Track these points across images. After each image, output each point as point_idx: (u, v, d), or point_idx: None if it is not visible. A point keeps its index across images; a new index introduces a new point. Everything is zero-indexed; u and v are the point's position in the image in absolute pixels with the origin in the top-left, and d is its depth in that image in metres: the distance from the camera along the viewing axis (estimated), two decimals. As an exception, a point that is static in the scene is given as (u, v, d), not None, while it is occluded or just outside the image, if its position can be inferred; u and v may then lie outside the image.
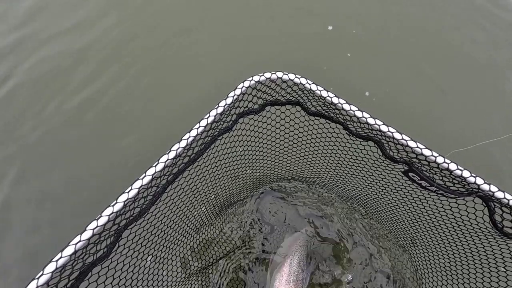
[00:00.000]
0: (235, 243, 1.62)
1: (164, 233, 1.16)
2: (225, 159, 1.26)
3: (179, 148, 0.91)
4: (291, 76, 1.06)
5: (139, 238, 1.01)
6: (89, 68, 2.32)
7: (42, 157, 2.03)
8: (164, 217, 1.10)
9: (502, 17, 2.47)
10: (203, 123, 0.96)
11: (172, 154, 0.89)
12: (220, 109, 1.00)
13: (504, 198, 0.87)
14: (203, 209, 1.48)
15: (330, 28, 2.29)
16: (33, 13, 2.59)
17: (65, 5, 2.63)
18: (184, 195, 1.15)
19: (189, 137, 0.94)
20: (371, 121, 0.98)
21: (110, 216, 0.79)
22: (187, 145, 0.93)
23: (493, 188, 0.88)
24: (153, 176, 0.86)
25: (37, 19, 2.56)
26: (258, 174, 1.66)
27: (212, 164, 1.21)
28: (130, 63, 2.34)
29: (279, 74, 1.06)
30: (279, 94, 1.14)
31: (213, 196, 1.44)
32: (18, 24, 2.56)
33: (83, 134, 2.11)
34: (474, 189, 0.93)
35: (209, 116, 0.96)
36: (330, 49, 2.27)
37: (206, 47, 2.34)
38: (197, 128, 0.96)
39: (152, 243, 1.09)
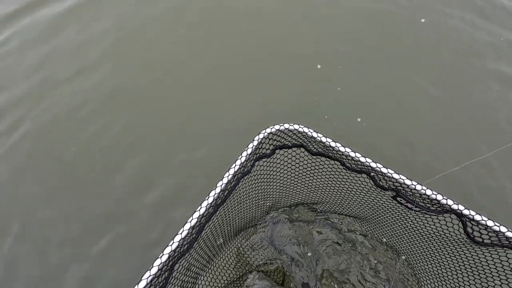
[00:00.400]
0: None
1: (199, 262, 1.37)
2: (244, 195, 1.50)
3: (215, 193, 1.15)
4: (296, 126, 1.33)
5: (182, 268, 1.22)
6: (99, 118, 2.57)
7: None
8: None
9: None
10: (231, 171, 1.21)
11: (210, 199, 1.14)
12: (243, 158, 1.26)
13: (470, 214, 1.12)
14: (221, 240, 1.70)
15: (319, 66, 2.63)
16: (41, 63, 2.86)
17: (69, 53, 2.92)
18: (209, 229, 1.37)
19: (222, 184, 1.18)
20: (362, 159, 1.25)
21: (170, 253, 1.01)
22: (221, 190, 1.17)
23: (461, 207, 1.14)
24: (199, 216, 1.09)
25: (46, 67, 2.84)
26: (268, 203, 1.90)
27: (233, 201, 1.44)
28: (142, 111, 2.61)
29: (286, 125, 1.33)
30: (287, 140, 1.41)
31: (229, 227, 1.67)
32: (27, 73, 2.84)
33: (97, 180, 2.33)
34: (447, 208, 1.18)
35: (235, 165, 1.22)
36: (322, 84, 2.59)
37: (215, 99, 2.62)
38: (227, 176, 1.21)
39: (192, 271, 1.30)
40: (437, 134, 2.40)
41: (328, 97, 2.56)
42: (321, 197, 1.78)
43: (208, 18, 3.06)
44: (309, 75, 2.63)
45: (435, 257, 1.49)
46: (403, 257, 1.77)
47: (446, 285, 1.50)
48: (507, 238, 1.09)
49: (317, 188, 1.69)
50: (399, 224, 1.53)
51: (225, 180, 1.18)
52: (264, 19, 3.02)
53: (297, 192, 1.77)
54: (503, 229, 1.08)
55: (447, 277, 1.47)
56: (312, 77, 2.62)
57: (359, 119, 2.50)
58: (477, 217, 1.12)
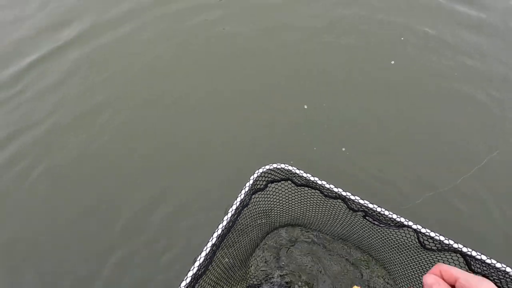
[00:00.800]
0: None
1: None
2: (245, 223, 1.83)
3: (223, 226, 1.48)
4: (283, 165, 1.68)
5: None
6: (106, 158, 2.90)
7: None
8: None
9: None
10: (234, 207, 1.55)
11: (219, 230, 1.46)
12: (242, 195, 1.60)
13: (417, 228, 1.48)
14: (226, 260, 2.01)
15: (305, 107, 3.03)
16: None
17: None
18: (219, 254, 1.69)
19: (227, 218, 1.51)
20: (335, 189, 1.60)
21: (194, 274, 1.33)
22: (228, 222, 1.50)
23: (411, 223, 1.49)
24: (212, 245, 1.41)
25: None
26: (266, 224, 2.23)
27: (237, 229, 1.76)
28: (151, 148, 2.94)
29: (274, 165, 1.68)
30: (276, 176, 1.76)
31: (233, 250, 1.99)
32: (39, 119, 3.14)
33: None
34: (403, 224, 1.54)
35: (237, 202, 1.55)
36: (310, 123, 2.97)
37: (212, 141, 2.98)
38: (231, 211, 1.54)
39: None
40: (408, 164, 2.78)
41: (316, 132, 2.93)
42: (308, 219, 2.13)
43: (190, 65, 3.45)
44: (298, 114, 3.02)
45: (400, 259, 1.84)
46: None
47: (411, 281, 1.86)
48: (446, 244, 1.44)
49: (303, 212, 2.04)
50: (372, 236, 1.88)
51: (229, 214, 1.51)
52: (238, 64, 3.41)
53: (288, 216, 2.11)
54: (441, 238, 1.43)
55: (410, 274, 1.82)
56: (301, 116, 3.01)
57: (343, 149, 2.88)
58: (423, 230, 1.47)
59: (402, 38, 3.54)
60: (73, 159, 2.88)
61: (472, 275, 0.70)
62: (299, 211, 2.05)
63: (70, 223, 2.59)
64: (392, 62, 3.34)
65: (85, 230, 2.55)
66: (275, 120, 2.99)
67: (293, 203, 1.97)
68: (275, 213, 2.07)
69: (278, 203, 1.97)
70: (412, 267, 1.79)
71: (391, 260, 1.95)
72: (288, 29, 3.64)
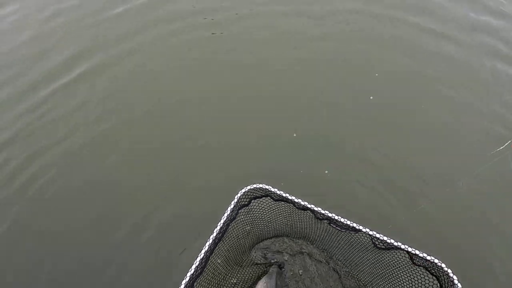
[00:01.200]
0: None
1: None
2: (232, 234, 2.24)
3: (216, 235, 1.89)
4: (263, 185, 2.09)
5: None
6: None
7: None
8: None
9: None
10: (222, 221, 1.96)
11: (210, 240, 1.87)
12: (229, 209, 2.01)
13: (368, 232, 1.86)
14: (218, 261, 2.41)
15: (295, 135, 3.47)
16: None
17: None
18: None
19: (218, 228, 1.93)
20: (302, 202, 2.00)
21: (190, 276, 1.74)
22: (218, 232, 1.91)
23: (365, 229, 1.88)
24: (205, 252, 1.83)
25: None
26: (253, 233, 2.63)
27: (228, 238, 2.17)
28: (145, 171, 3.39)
29: (255, 185, 2.10)
30: (258, 193, 2.17)
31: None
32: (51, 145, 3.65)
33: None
34: (357, 229, 1.92)
35: (225, 215, 1.96)
36: (299, 149, 3.37)
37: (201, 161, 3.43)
38: (221, 224, 1.96)
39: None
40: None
41: (302, 157, 3.33)
42: (286, 229, 2.52)
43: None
44: (287, 140, 3.46)
45: (360, 258, 2.23)
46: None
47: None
48: (390, 244, 1.82)
49: (282, 222, 2.44)
50: (334, 238, 2.28)
51: (219, 225, 1.93)
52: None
53: (271, 227, 2.52)
54: (390, 240, 1.82)
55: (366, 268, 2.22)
56: (290, 143, 3.43)
57: (326, 171, 3.26)
58: (372, 233, 1.85)
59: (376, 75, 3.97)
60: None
61: None
62: (279, 221, 2.45)
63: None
64: (371, 97, 3.72)
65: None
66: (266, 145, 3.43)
67: (273, 215, 2.38)
68: (260, 223, 2.47)
69: (261, 215, 2.38)
70: (367, 263, 2.17)
71: (352, 258, 2.34)
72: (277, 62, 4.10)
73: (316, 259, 2.60)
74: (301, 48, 4.25)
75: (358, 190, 3.11)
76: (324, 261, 2.59)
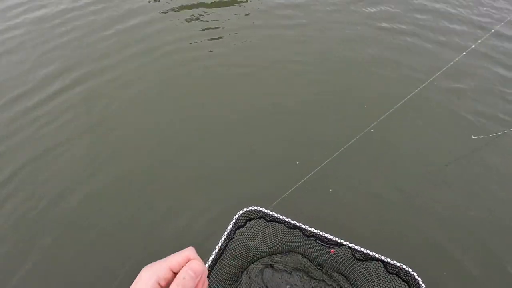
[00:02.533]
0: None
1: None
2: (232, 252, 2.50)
3: (216, 251, 2.15)
4: (256, 207, 2.40)
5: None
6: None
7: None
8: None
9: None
10: (221, 241, 2.23)
11: (211, 258, 2.13)
12: (228, 230, 2.29)
13: (350, 246, 2.18)
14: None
15: (297, 162, 3.83)
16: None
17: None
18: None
19: (218, 249, 2.19)
20: (292, 222, 2.32)
21: None
22: (217, 251, 2.18)
23: (345, 242, 2.20)
24: (208, 267, 2.08)
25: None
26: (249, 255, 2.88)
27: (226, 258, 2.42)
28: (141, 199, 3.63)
29: (250, 207, 2.41)
30: (253, 215, 2.47)
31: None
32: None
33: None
34: (339, 243, 2.24)
35: (224, 236, 2.24)
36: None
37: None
38: (219, 245, 2.23)
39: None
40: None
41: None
42: (280, 246, 2.81)
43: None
44: (291, 169, 3.78)
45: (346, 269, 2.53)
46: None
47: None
48: (367, 255, 2.14)
49: (275, 241, 2.72)
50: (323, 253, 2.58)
51: (218, 245, 2.19)
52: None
53: (266, 245, 2.79)
54: (366, 251, 2.14)
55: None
56: (293, 170, 3.72)
57: (330, 190, 3.62)
58: (355, 247, 2.18)
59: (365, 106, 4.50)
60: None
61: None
62: (272, 239, 2.74)
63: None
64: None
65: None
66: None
67: (267, 234, 2.67)
68: (256, 243, 2.75)
69: (256, 235, 2.66)
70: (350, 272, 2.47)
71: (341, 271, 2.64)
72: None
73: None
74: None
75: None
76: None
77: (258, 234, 2.66)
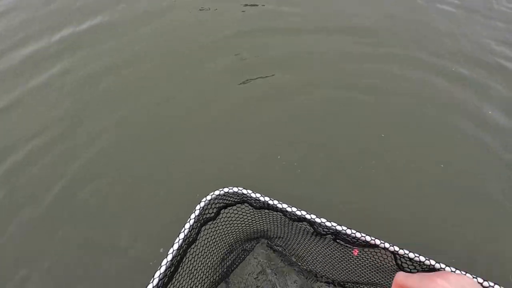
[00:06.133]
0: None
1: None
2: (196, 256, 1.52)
3: (167, 263, 1.16)
4: (236, 189, 1.41)
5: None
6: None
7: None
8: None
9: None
10: (181, 235, 1.24)
11: (162, 269, 1.14)
12: (191, 221, 1.29)
13: (395, 250, 1.27)
14: None
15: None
16: None
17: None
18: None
19: (173, 251, 1.20)
20: (298, 212, 1.36)
21: None
22: (168, 266, 1.19)
23: (386, 245, 1.28)
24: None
25: None
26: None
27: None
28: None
29: (226, 189, 1.41)
30: (230, 200, 1.48)
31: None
32: None
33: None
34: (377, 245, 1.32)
35: (180, 239, 1.24)
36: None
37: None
38: (178, 242, 1.23)
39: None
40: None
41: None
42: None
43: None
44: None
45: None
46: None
47: None
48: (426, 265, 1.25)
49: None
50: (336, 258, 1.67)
51: (175, 246, 1.20)
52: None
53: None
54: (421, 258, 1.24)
55: None
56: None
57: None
58: (401, 251, 1.27)
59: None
60: None
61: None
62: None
63: None
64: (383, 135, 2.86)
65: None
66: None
67: (250, 226, 1.70)
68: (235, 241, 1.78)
69: (236, 230, 1.69)
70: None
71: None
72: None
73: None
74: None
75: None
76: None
77: (239, 228, 1.69)
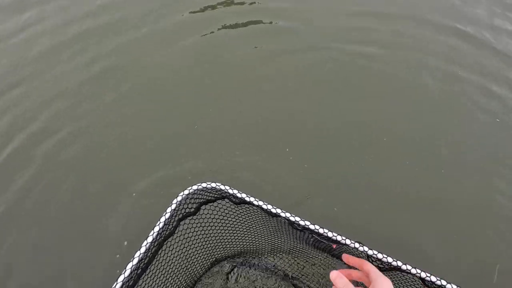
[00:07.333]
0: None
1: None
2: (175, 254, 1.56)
3: (140, 254, 1.19)
4: (214, 184, 1.43)
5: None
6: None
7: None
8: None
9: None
10: (156, 229, 1.27)
11: (135, 261, 1.17)
12: (167, 215, 1.32)
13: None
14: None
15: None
16: None
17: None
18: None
19: (146, 243, 1.23)
20: (274, 211, 1.37)
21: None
22: (141, 259, 1.22)
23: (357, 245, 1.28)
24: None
25: None
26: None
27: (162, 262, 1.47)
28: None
29: (204, 184, 1.44)
30: (210, 196, 1.51)
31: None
32: None
33: None
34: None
35: (154, 232, 1.28)
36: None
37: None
38: (152, 235, 1.26)
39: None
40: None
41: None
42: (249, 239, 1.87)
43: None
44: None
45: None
46: None
47: None
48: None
49: (244, 232, 1.79)
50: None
51: (149, 239, 1.23)
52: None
53: (229, 239, 1.86)
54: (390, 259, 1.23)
55: None
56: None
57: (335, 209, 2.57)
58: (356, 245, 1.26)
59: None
60: None
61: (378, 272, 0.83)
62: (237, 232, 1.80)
63: None
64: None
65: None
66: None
67: (231, 223, 1.72)
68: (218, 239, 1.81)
69: (219, 226, 1.72)
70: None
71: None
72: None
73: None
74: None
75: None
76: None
77: (220, 226, 1.72)
